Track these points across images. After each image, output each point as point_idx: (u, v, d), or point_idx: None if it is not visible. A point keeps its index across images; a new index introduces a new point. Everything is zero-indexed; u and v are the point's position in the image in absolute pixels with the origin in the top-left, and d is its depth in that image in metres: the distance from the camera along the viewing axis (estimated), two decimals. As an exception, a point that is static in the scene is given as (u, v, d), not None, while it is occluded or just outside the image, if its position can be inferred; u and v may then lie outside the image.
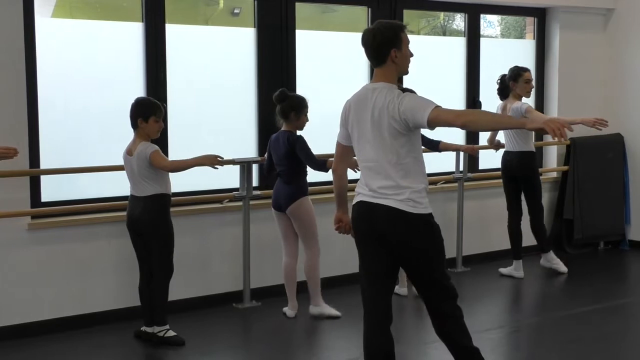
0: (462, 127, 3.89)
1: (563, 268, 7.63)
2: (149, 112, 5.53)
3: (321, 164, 5.95)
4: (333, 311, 6.27)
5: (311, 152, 5.97)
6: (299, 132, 6.14)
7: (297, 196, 6.06)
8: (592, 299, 6.86)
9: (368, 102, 4.05)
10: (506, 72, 7.36)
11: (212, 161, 5.68)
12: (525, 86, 7.27)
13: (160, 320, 5.66)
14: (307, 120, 6.12)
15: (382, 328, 4.13)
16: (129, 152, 5.59)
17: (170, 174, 5.63)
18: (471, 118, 3.95)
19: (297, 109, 6.05)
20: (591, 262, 8.33)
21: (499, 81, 7.40)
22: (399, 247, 4.04)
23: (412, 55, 4.17)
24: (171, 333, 5.67)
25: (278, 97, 6.05)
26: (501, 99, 7.40)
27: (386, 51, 4.05)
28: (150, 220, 5.54)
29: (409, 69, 4.21)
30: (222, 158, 5.72)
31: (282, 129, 6.11)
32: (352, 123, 4.14)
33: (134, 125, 5.56)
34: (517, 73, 7.28)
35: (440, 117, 3.83)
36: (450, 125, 3.88)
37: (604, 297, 6.92)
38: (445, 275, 4.15)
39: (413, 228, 4.00)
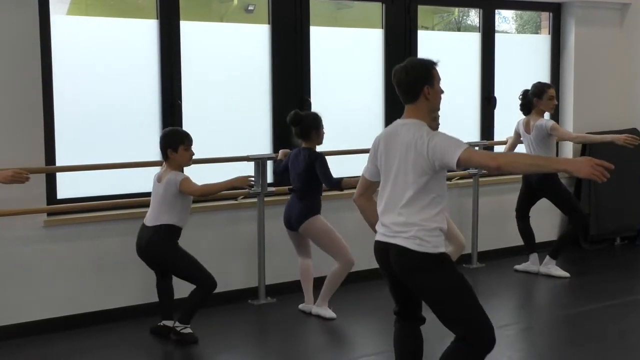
0: (497, 171, 3.79)
1: (563, 273, 7.43)
2: (177, 142, 5.55)
3: (336, 183, 5.92)
4: (330, 314, 6.16)
5: (329, 171, 5.95)
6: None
7: (307, 215, 6.02)
8: (609, 294, 6.82)
9: (397, 138, 3.98)
10: (529, 88, 7.29)
11: (244, 182, 5.75)
12: (549, 103, 7.22)
13: (184, 319, 5.65)
14: (324, 132, 6.11)
15: (411, 325, 4.18)
16: (158, 179, 5.62)
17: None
18: (506, 160, 3.83)
19: (317, 126, 6.04)
20: (607, 258, 8.29)
21: (521, 97, 7.34)
22: (408, 284, 3.99)
23: (442, 92, 4.08)
24: (188, 330, 5.67)
25: (293, 119, 5.99)
26: (524, 114, 7.35)
27: (419, 88, 3.96)
28: (155, 250, 5.55)
29: (440, 106, 4.12)
30: (254, 179, 5.71)
31: (303, 146, 6.09)
32: (380, 159, 4.07)
33: (165, 156, 5.59)
34: (542, 90, 7.21)
35: (473, 159, 3.74)
36: (483, 168, 3.80)
37: (620, 293, 6.89)
38: (468, 322, 3.93)
39: (416, 266, 3.89)
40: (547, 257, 7.49)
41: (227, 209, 6.61)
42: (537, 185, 7.30)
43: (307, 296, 6.33)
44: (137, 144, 6.03)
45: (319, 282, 6.41)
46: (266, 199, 6.58)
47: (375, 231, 4.18)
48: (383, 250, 4.02)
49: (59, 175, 6.07)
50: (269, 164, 6.68)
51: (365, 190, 4.29)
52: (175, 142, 5.56)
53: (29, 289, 5.83)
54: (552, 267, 7.44)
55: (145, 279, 5.94)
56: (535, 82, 7.34)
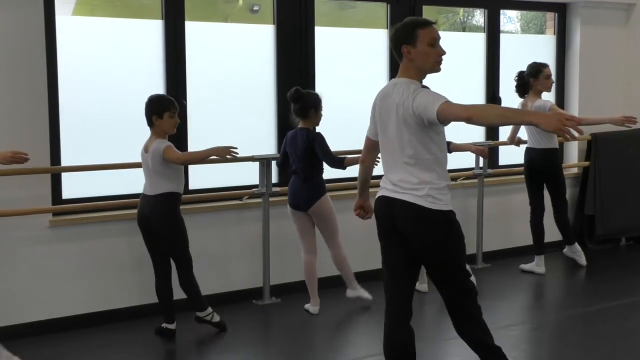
0: (467, 121, 3.78)
1: (583, 261, 7.61)
2: (163, 109, 5.55)
3: (338, 161, 5.94)
4: (366, 294, 6.41)
5: (329, 149, 5.98)
6: (317, 129, 6.13)
7: (317, 196, 6.05)
8: (614, 295, 6.81)
9: (390, 97, 4.06)
10: (524, 69, 7.31)
11: (225, 152, 5.61)
12: (545, 82, 7.23)
13: (200, 307, 5.75)
14: (322, 114, 6.13)
15: (402, 322, 4.13)
16: (145, 149, 5.62)
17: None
18: (476, 112, 3.81)
19: (316, 105, 6.06)
20: (613, 258, 8.27)
21: (516, 78, 7.35)
22: (416, 242, 4.02)
23: (440, 52, 4.09)
24: (217, 317, 5.78)
25: (294, 96, 6.03)
26: (520, 96, 7.35)
27: (399, 48, 4.08)
28: (158, 219, 5.55)
29: (439, 67, 4.12)
30: (237, 149, 5.67)
31: (299, 126, 6.10)
32: (377, 118, 4.17)
33: (149, 123, 5.58)
34: (538, 69, 7.22)
35: (447, 111, 3.78)
36: (457, 120, 3.82)
37: (626, 293, 6.87)
38: (464, 272, 4.13)
39: (430, 223, 3.99)
40: (567, 246, 7.62)
41: (232, 209, 6.61)
42: (541, 168, 7.30)
43: (313, 298, 6.32)
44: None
45: (323, 283, 6.43)
46: (271, 199, 6.58)
47: (362, 192, 4.51)
48: (389, 204, 4.07)
49: (64, 175, 6.09)
50: (274, 164, 6.69)
51: (370, 149, 4.41)
52: (160, 109, 5.55)
53: (34, 289, 5.84)
54: (577, 253, 7.65)
55: (150, 278, 5.94)
56: (530, 62, 7.34)
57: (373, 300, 6.37)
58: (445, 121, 3.84)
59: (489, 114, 3.87)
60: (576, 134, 3.57)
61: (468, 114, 3.76)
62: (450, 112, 3.79)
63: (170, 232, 5.60)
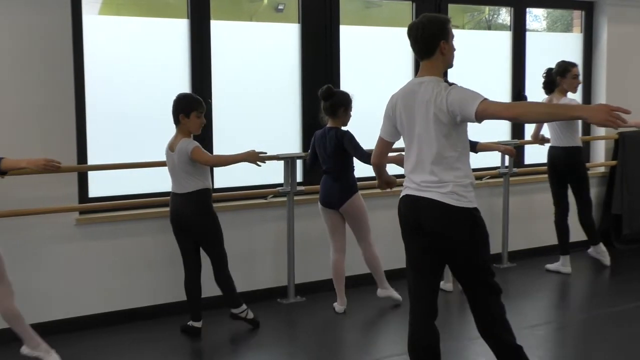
0: (513, 120, 3.79)
1: (607, 261, 7.57)
2: (191, 108, 5.57)
3: (368, 156, 5.93)
4: (396, 294, 6.43)
5: (359, 145, 5.97)
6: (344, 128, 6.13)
7: (349, 194, 6.06)
8: (641, 295, 6.77)
9: (415, 96, 4.03)
10: (553, 66, 7.28)
11: (256, 158, 5.68)
12: (572, 81, 7.18)
13: (236, 304, 5.83)
14: (351, 115, 6.13)
15: (426, 321, 4.12)
16: (170, 147, 5.64)
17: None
18: (522, 110, 3.82)
19: (347, 104, 6.06)
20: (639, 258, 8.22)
21: (544, 75, 7.32)
22: (441, 240, 4.00)
23: (455, 49, 4.14)
24: (251, 314, 5.87)
25: (325, 93, 6.03)
26: (546, 93, 7.32)
27: (435, 43, 4.03)
28: (195, 216, 5.58)
29: (454, 63, 4.18)
30: (266, 153, 5.73)
31: (328, 125, 6.10)
32: (400, 118, 4.12)
33: (176, 121, 5.60)
34: (565, 68, 7.18)
35: (489, 110, 3.75)
36: (499, 118, 3.81)
37: (653, 294, 6.83)
38: (489, 271, 4.09)
39: (455, 221, 3.96)
40: (591, 247, 7.61)
41: (257, 208, 6.63)
42: (564, 167, 7.25)
43: (340, 297, 6.31)
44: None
45: (350, 281, 6.42)
46: (295, 197, 6.59)
47: (382, 188, 4.61)
48: (414, 203, 4.06)
49: (90, 173, 6.13)
50: (299, 163, 6.70)
51: (383, 151, 4.38)
52: (188, 107, 5.57)
53: (60, 287, 5.88)
54: (602, 253, 7.61)
55: (176, 277, 5.97)
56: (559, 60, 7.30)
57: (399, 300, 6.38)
58: (481, 119, 3.82)
59: (535, 111, 3.86)
60: (624, 121, 3.55)
61: (514, 114, 3.78)
62: (492, 112, 3.76)
63: (206, 229, 5.64)
